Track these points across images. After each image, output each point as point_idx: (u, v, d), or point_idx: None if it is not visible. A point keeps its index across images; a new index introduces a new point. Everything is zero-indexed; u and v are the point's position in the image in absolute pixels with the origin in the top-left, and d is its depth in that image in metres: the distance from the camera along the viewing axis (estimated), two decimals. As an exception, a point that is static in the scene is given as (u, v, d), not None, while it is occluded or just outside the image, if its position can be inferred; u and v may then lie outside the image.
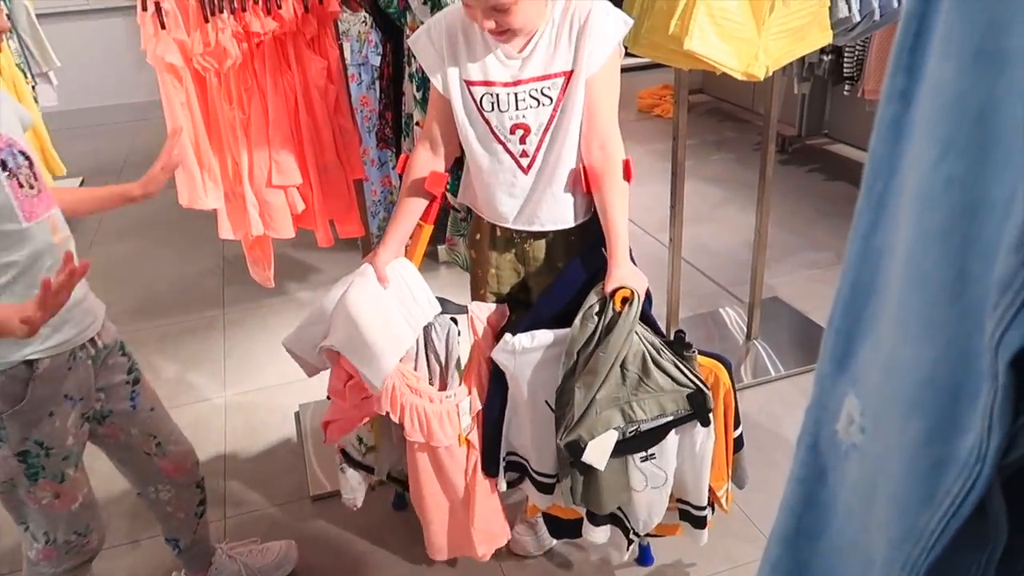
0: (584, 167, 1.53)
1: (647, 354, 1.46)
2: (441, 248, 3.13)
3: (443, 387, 1.60)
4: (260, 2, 1.75)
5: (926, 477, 0.41)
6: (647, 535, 1.70)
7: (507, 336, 1.53)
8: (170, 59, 1.72)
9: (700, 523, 1.65)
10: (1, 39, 1.34)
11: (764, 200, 2.56)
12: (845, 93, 3.75)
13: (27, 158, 1.32)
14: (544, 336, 1.52)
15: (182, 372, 2.79)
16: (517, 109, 1.48)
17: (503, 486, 1.71)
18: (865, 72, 3.52)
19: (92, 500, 1.53)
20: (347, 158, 1.98)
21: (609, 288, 1.47)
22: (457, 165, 1.71)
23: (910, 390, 0.42)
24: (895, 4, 2.14)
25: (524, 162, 1.53)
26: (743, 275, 2.80)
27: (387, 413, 1.56)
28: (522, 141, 1.50)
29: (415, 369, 1.58)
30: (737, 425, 1.63)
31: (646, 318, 1.51)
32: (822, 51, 3.49)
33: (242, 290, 3.18)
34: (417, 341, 1.56)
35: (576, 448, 1.45)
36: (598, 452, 1.47)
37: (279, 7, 1.77)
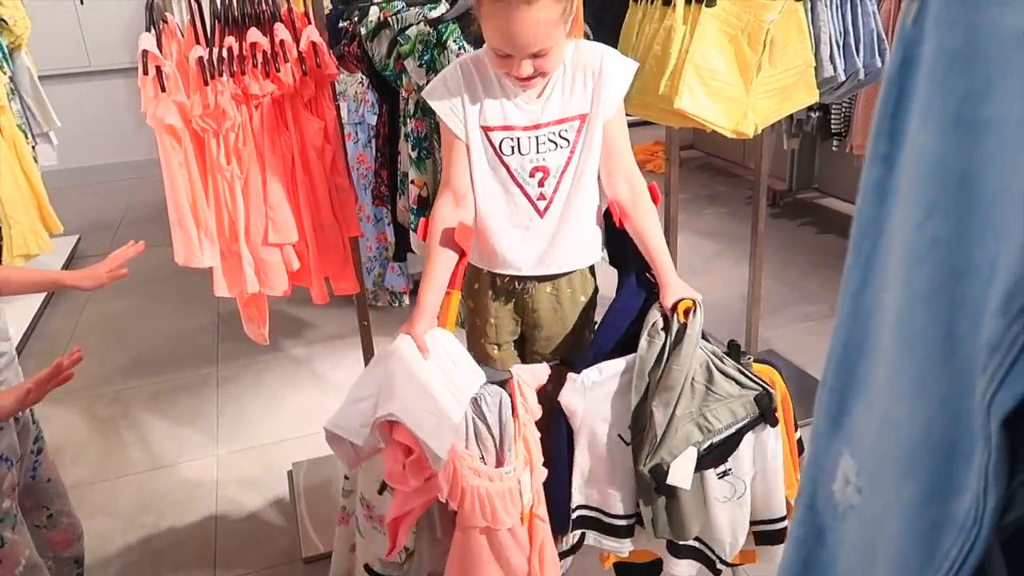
0: (612, 204, 1.59)
1: (710, 363, 1.48)
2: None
3: (500, 463, 1.46)
4: (259, 66, 1.79)
5: (924, 539, 0.41)
6: (731, 564, 1.66)
7: (572, 375, 1.52)
8: (169, 121, 1.75)
9: (779, 538, 1.61)
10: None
11: (757, 253, 2.58)
12: (834, 148, 3.82)
13: None
14: (613, 366, 1.52)
15: (174, 430, 2.76)
16: (537, 152, 1.52)
17: (569, 544, 1.64)
18: (852, 128, 3.59)
19: (36, 562, 1.49)
20: (343, 216, 2.00)
21: (669, 302, 1.50)
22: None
23: (905, 450, 0.42)
24: (879, 64, 2.20)
25: (541, 205, 1.56)
26: (738, 328, 2.80)
27: (446, 501, 1.41)
28: (540, 184, 1.54)
29: (466, 447, 1.45)
30: (796, 427, 1.64)
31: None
32: (810, 108, 3.56)
33: (237, 347, 3.17)
34: (466, 415, 1.43)
35: (660, 472, 1.45)
36: (682, 472, 1.47)
37: (278, 70, 1.80)
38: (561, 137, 1.53)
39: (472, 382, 1.46)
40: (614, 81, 1.54)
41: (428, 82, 1.79)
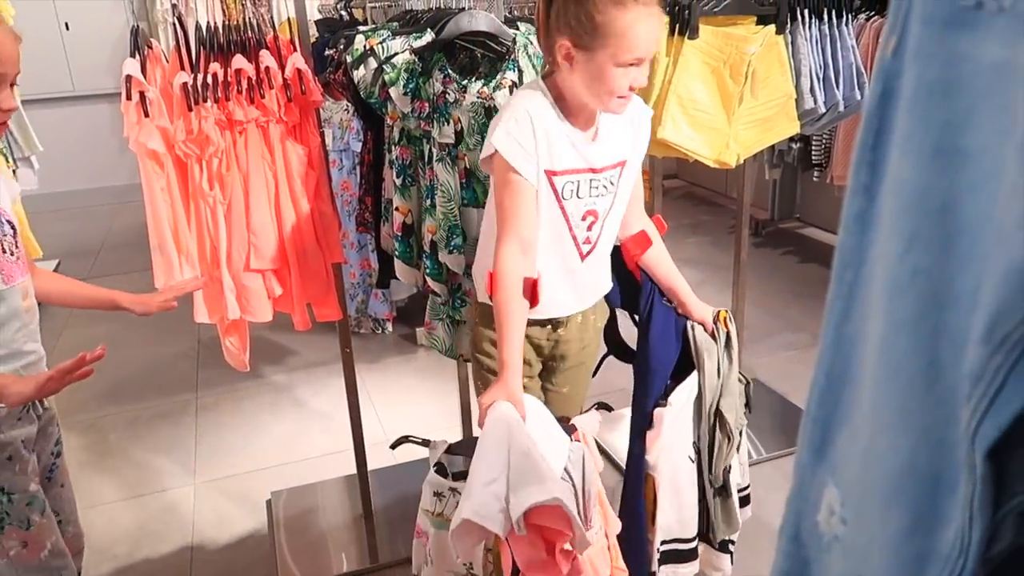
0: (624, 243, 1.65)
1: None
2: (419, 331, 3.12)
3: (586, 521, 1.33)
4: (244, 92, 1.79)
5: (909, 570, 0.40)
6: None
7: (658, 411, 1.59)
8: (152, 146, 1.74)
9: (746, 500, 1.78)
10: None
11: (740, 282, 2.60)
12: (814, 179, 3.87)
13: (12, 227, 1.45)
14: (686, 388, 1.61)
15: (151, 458, 2.71)
16: (591, 196, 1.52)
17: None
18: (833, 159, 3.64)
19: (62, 548, 1.51)
20: (326, 242, 1.99)
21: (699, 316, 1.65)
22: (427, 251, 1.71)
23: (889, 480, 0.42)
24: (858, 96, 2.24)
25: (585, 249, 1.57)
26: (721, 357, 2.80)
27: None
28: (589, 228, 1.55)
29: None
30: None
31: None
32: (791, 139, 3.61)
33: (217, 374, 3.13)
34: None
35: (728, 473, 1.60)
36: (744, 468, 1.67)
37: (263, 96, 1.80)
38: (609, 182, 1.54)
39: (562, 445, 1.36)
40: (646, 127, 1.58)
41: (413, 110, 1.79)
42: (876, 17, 3.00)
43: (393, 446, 1.56)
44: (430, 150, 1.82)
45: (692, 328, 1.64)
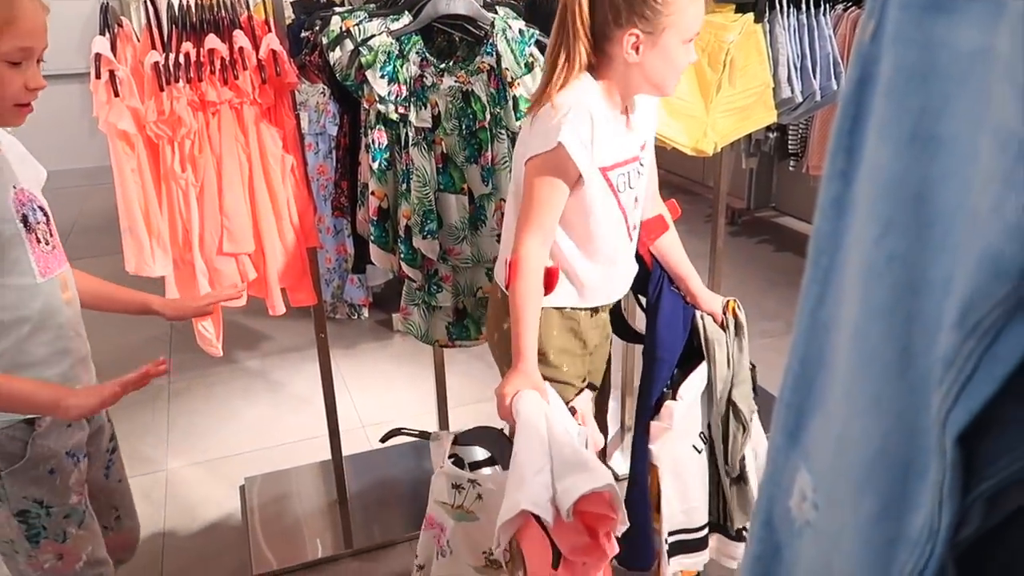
0: (643, 225, 1.63)
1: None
2: (395, 316, 3.11)
3: None
4: (217, 72, 1.76)
5: (880, 555, 0.40)
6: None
7: (669, 403, 1.57)
8: (123, 126, 1.71)
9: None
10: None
11: (716, 270, 2.61)
12: (791, 168, 3.90)
13: (45, 214, 1.37)
14: (696, 378, 1.60)
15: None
16: (636, 182, 1.54)
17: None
18: (809, 149, 3.66)
19: (100, 556, 1.46)
20: (301, 226, 1.97)
21: (716, 306, 1.66)
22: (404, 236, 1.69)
23: (861, 465, 0.42)
24: (834, 86, 2.25)
25: (633, 234, 1.59)
26: (696, 344, 2.82)
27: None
28: (634, 211, 1.57)
29: None
30: None
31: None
32: (768, 129, 3.63)
33: (189, 358, 3.10)
34: None
35: (744, 462, 1.59)
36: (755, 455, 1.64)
37: (236, 78, 1.77)
38: (642, 164, 1.55)
39: (575, 432, 1.38)
40: (653, 101, 1.58)
41: (390, 93, 1.77)
42: (853, 8, 3.02)
43: (384, 439, 1.54)
44: (407, 134, 1.80)
45: (702, 318, 1.64)
